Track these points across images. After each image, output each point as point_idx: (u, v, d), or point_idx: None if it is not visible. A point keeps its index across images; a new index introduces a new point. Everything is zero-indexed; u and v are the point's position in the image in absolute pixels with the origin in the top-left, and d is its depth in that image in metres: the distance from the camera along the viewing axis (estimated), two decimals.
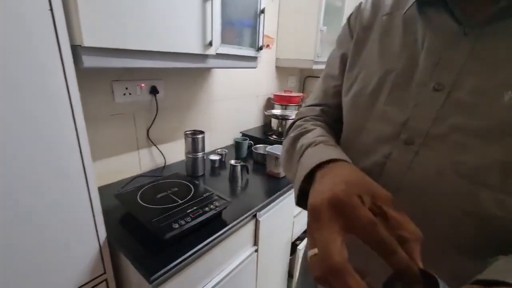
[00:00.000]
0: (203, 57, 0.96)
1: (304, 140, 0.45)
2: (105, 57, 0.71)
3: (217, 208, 0.86)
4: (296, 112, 1.76)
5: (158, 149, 1.25)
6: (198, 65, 0.96)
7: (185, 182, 1.03)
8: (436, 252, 0.36)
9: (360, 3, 0.51)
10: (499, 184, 0.32)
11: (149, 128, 1.20)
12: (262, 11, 1.15)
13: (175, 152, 1.34)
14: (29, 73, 0.54)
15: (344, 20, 0.54)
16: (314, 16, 1.63)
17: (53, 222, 0.64)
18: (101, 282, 0.81)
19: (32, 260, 0.63)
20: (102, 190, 1.04)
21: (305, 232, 1.44)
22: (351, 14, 0.52)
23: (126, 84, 1.07)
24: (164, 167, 1.28)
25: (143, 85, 1.12)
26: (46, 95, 0.57)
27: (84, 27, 0.64)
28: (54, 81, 0.58)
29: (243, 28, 1.13)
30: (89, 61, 0.68)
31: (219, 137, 1.59)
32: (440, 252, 0.37)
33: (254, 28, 1.17)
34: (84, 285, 0.76)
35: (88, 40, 0.65)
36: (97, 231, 0.75)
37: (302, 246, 1.41)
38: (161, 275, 0.66)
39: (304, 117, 0.55)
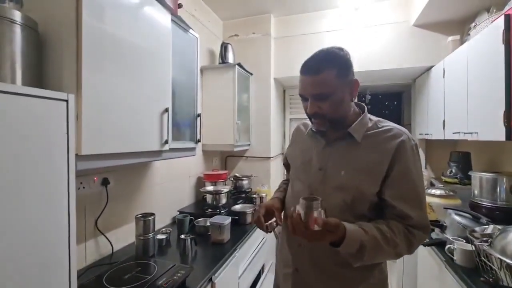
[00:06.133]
0: (160, 152, 1.23)
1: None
2: (92, 161, 0.90)
3: (184, 275, 1.02)
4: (225, 186, 2.09)
5: (106, 238, 1.29)
6: (157, 159, 1.22)
7: (144, 261, 1.13)
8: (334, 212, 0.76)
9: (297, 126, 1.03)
10: (346, 207, 0.76)
11: (97, 218, 1.26)
12: (198, 115, 1.57)
13: (122, 237, 1.39)
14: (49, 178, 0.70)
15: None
16: (231, 113, 2.18)
17: None
18: None
19: None
20: None
21: None
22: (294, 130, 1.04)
23: (81, 179, 1.18)
24: (112, 254, 1.30)
25: (96, 178, 1.25)
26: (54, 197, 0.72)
27: (84, 141, 0.85)
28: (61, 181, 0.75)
29: (185, 127, 1.48)
30: (81, 165, 0.86)
31: (158, 218, 1.70)
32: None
33: (193, 127, 1.55)
34: None
35: (85, 150, 0.85)
36: None
37: None
38: None
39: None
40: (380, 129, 0.80)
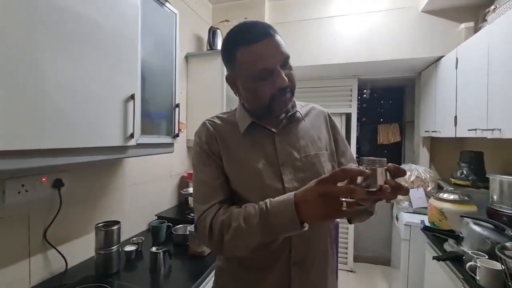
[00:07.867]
0: (124, 148, 1.00)
1: (248, 212, 0.58)
2: (17, 159, 0.67)
3: None
4: None
5: (58, 252, 1.05)
6: (119, 156, 0.98)
7: (100, 285, 0.91)
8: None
9: (207, 130, 0.72)
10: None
11: (47, 228, 1.03)
12: (177, 106, 1.34)
13: (80, 250, 1.16)
14: None
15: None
16: (218, 104, 1.95)
17: None
18: None
19: None
20: None
21: None
22: (202, 144, 0.71)
23: (22, 181, 0.94)
24: (65, 271, 1.07)
25: (44, 179, 1.01)
26: None
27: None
28: None
29: (160, 119, 1.25)
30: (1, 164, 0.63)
31: (132, 224, 1.48)
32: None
33: (170, 119, 1.32)
34: None
35: (1, 144, 0.62)
36: None
37: None
38: None
39: (215, 214, 0.62)
40: (306, 107, 0.82)
